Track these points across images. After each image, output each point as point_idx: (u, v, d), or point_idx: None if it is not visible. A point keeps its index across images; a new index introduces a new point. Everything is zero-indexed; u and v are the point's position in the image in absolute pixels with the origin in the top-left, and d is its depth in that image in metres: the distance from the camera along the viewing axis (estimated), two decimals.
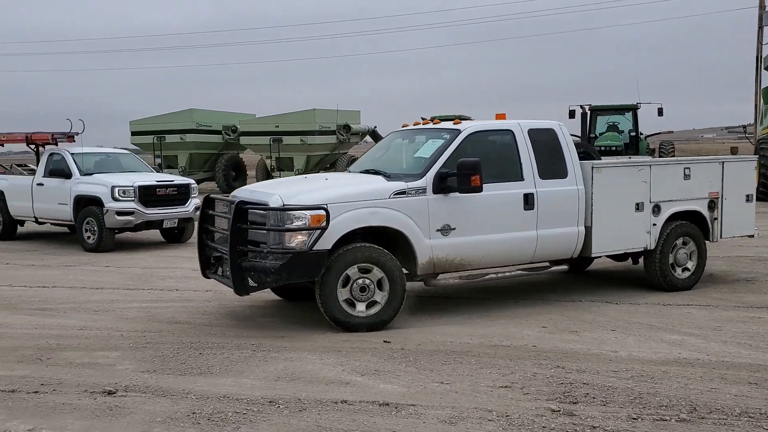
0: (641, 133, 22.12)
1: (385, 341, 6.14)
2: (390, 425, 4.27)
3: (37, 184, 13.56)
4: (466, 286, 8.29)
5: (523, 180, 7.28)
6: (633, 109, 21.89)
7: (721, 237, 8.46)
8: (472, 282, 7.58)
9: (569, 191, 7.48)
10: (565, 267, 7.84)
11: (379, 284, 6.59)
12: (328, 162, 25.04)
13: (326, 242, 6.38)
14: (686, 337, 6.24)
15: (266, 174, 24.62)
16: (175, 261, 11.25)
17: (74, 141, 14.65)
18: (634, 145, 21.46)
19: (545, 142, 7.52)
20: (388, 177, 7.03)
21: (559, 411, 4.49)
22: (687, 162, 8.34)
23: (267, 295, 7.82)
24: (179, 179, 13.95)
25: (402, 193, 6.74)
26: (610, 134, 21.89)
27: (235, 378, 5.21)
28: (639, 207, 7.83)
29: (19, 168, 15.90)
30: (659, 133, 25.43)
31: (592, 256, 7.76)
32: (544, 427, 4.25)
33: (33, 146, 15.47)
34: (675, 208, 8.06)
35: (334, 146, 24.94)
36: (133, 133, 26.03)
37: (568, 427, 4.24)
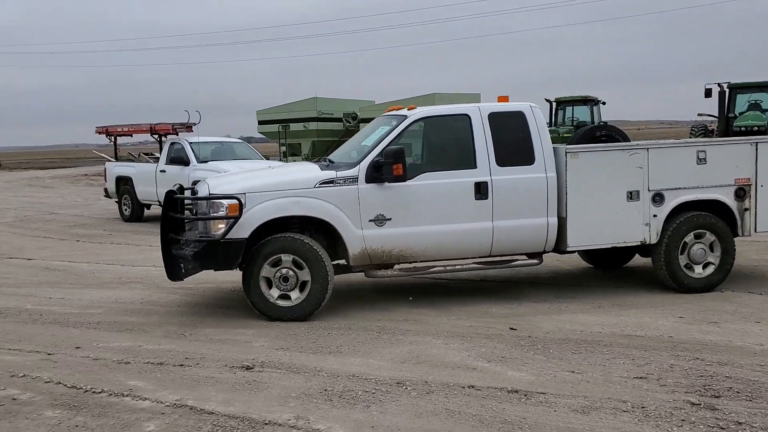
0: None
1: (511, 328, 6.07)
2: (520, 412, 4.22)
3: (160, 171, 14.60)
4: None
5: (475, 168, 6.81)
6: None
7: (755, 230, 7.32)
8: (416, 275, 7.23)
9: (534, 179, 6.86)
10: (535, 261, 7.20)
11: (299, 273, 6.56)
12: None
13: (242, 231, 6.41)
14: None
15: None
16: None
17: (192, 131, 15.62)
18: None
19: (509, 127, 6.96)
20: (329, 166, 6.95)
21: (700, 404, 4.26)
22: (700, 144, 7.36)
23: (388, 280, 7.92)
24: None
25: (330, 182, 6.62)
26: (752, 113, 20.39)
27: (362, 358, 5.34)
28: (632, 196, 6.99)
29: (146, 156, 17.13)
30: None
31: (568, 250, 7.12)
32: (683, 420, 4.05)
33: (156, 136, 16.62)
34: (685, 197, 7.11)
35: (343, 133, 24.81)
36: (260, 123, 27.08)
37: (710, 421, 4.02)
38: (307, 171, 6.94)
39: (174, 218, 6.77)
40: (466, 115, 6.96)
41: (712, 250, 7.19)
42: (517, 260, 7.17)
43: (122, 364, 5.34)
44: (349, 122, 26.08)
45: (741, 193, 7.20)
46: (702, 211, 7.16)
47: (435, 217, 6.74)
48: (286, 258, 6.51)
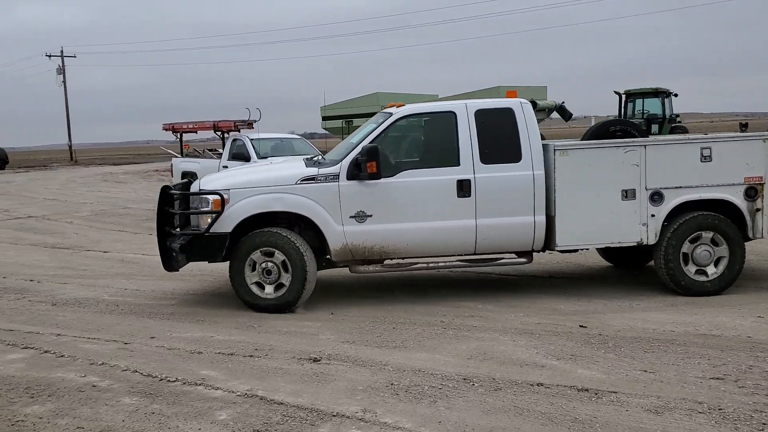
0: None
1: (581, 326, 5.95)
2: (591, 411, 4.13)
3: (223, 167, 14.92)
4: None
5: (458, 165, 6.79)
6: None
7: None
8: (398, 271, 7.29)
9: (521, 177, 6.76)
10: (523, 260, 7.06)
11: (285, 267, 6.72)
12: None
13: (225, 226, 6.76)
14: None
15: None
16: None
17: (253, 128, 15.86)
18: None
19: (496, 125, 6.89)
20: (315, 163, 7.09)
21: None
22: (704, 140, 6.87)
23: (451, 273, 7.91)
24: None
25: (311, 179, 6.80)
26: None
27: (428, 353, 5.33)
28: (628, 194, 6.72)
29: (210, 152, 17.54)
30: None
31: (557, 249, 6.94)
32: (764, 423, 3.89)
33: (219, 133, 16.98)
34: (687, 197, 6.75)
35: None
36: (324, 118, 27.38)
37: None
38: (292, 168, 7.17)
39: (170, 213, 7.10)
40: (452, 112, 6.95)
41: (719, 253, 6.80)
42: (504, 258, 7.09)
43: (195, 354, 5.50)
44: None
45: (752, 192, 6.74)
46: (709, 212, 6.78)
47: (416, 214, 6.79)
48: (267, 251, 6.77)
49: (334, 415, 4.18)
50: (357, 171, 6.72)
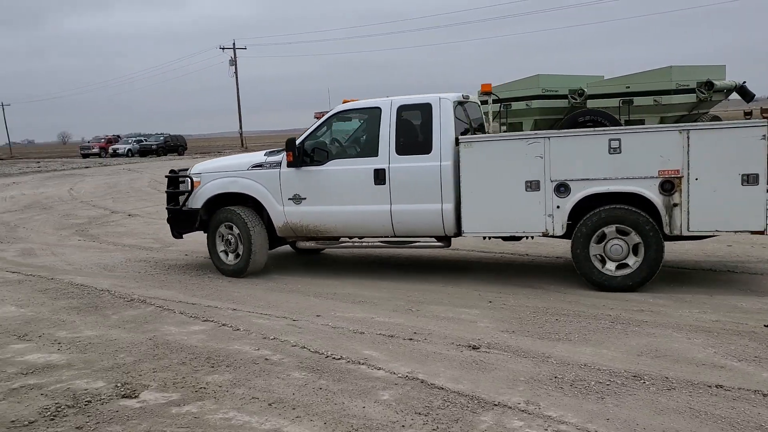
0: None
1: (765, 326, 5.44)
2: None
3: None
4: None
5: (377, 156, 7.41)
6: None
7: (688, 229, 6.38)
8: (329, 247, 8.24)
9: (429, 167, 7.19)
10: (440, 244, 7.48)
11: (240, 239, 8.05)
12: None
13: (196, 203, 8.36)
14: None
15: None
16: None
17: None
18: None
19: (414, 118, 7.42)
20: (271, 153, 8.16)
21: None
22: (613, 132, 6.57)
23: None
24: None
25: (260, 165, 8.02)
26: None
27: (594, 348, 5.11)
28: (532, 186, 6.78)
29: None
30: None
31: (464, 235, 7.26)
32: None
33: None
34: (594, 189, 6.60)
35: (693, 105, 22.60)
36: (481, 103, 27.07)
37: None
38: (250, 156, 8.49)
39: (172, 192, 8.69)
40: (378, 107, 7.57)
41: (632, 247, 6.61)
42: (420, 242, 7.55)
43: (357, 334, 5.67)
44: (575, 99, 25.04)
45: (668, 186, 6.37)
46: (625, 205, 6.55)
47: (341, 199, 7.62)
48: (228, 225, 8.14)
49: (495, 404, 4.13)
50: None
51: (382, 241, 7.79)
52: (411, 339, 5.49)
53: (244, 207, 8.12)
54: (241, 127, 62.81)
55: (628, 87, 22.66)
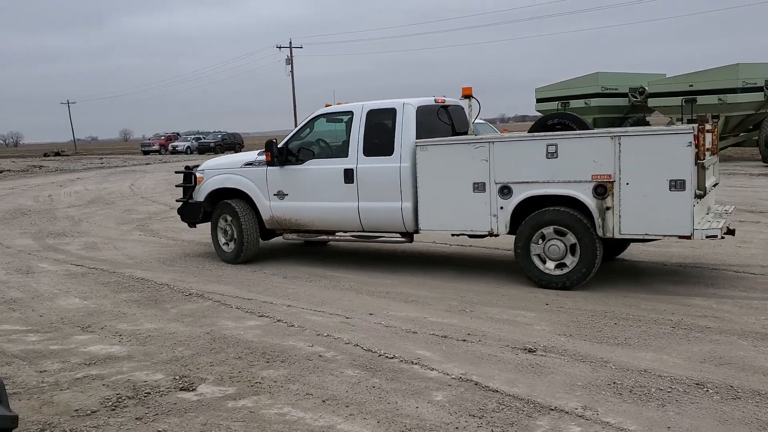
0: None
1: None
2: None
3: None
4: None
5: (347, 157, 8.01)
6: None
7: (620, 232, 6.56)
8: (308, 239, 8.79)
9: (390, 168, 7.71)
10: (403, 240, 8.01)
11: (233, 229, 8.98)
12: (751, 123, 22.03)
13: (200, 196, 9.35)
14: None
15: None
16: None
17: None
18: None
19: (381, 122, 7.87)
20: (264, 152, 8.65)
21: None
22: (550, 137, 6.84)
23: (681, 268, 7.28)
24: None
25: (250, 164, 8.85)
26: None
27: (655, 353, 4.96)
28: (478, 187, 7.22)
29: None
30: None
31: (421, 231, 7.77)
32: None
33: None
34: (534, 192, 6.93)
35: (760, 105, 21.81)
36: (538, 101, 26.69)
37: None
38: (244, 155, 9.29)
39: (185, 186, 9.68)
40: (351, 112, 8.15)
41: (569, 248, 6.89)
42: (384, 237, 8.12)
43: (410, 334, 5.65)
44: (636, 97, 24.47)
45: (601, 190, 6.59)
46: (563, 207, 6.82)
47: (316, 195, 8.30)
48: (225, 217, 9.03)
49: (552, 409, 4.05)
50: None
51: (352, 235, 8.44)
52: (465, 340, 5.44)
53: (239, 200, 8.94)
54: (296, 125, 63.41)
55: (692, 85, 22.03)
